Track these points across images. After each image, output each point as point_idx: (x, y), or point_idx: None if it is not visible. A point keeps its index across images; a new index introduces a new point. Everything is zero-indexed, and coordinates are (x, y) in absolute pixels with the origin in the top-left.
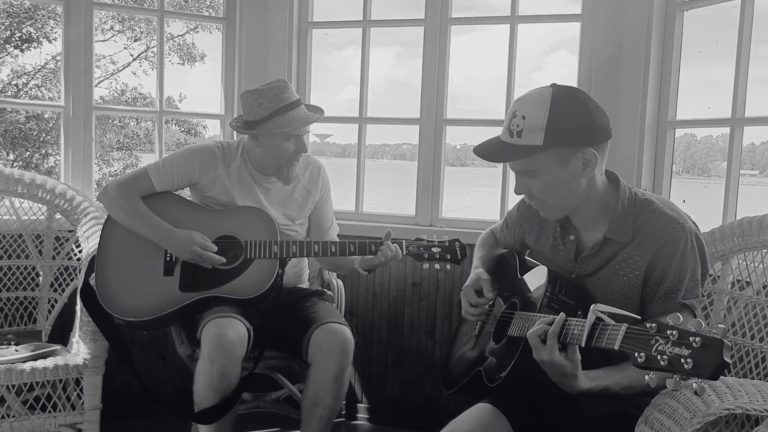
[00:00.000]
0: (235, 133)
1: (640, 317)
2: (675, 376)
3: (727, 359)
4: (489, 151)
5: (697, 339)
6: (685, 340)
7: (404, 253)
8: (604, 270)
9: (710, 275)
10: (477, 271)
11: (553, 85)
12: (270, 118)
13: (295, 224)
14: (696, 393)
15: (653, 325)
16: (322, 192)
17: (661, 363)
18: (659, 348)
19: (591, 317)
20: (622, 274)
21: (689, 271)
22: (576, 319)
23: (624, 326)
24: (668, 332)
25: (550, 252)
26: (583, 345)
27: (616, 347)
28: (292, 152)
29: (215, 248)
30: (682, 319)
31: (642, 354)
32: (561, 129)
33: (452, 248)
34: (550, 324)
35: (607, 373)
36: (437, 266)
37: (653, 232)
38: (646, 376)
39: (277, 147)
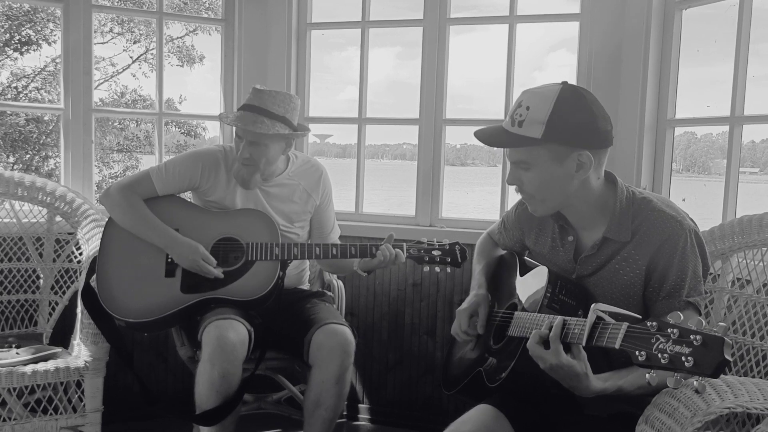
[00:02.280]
0: (234, 135)
1: (640, 316)
2: (676, 374)
3: (728, 357)
4: (488, 136)
5: (698, 337)
6: (685, 338)
7: (405, 255)
8: (605, 269)
9: (710, 273)
10: (479, 294)
11: (564, 83)
12: (235, 113)
13: (294, 226)
14: (697, 391)
15: (654, 323)
16: (323, 197)
17: (662, 361)
18: (660, 346)
19: (591, 316)
20: (623, 273)
21: (691, 269)
22: (576, 318)
23: (625, 325)
24: (669, 330)
25: (549, 253)
26: (584, 344)
27: (617, 346)
28: (237, 153)
29: (215, 262)
30: (682, 317)
31: (643, 352)
32: (561, 126)
33: (452, 251)
34: (549, 329)
35: (620, 373)
36: (437, 269)
37: (652, 230)
38: (647, 375)
39: (235, 143)
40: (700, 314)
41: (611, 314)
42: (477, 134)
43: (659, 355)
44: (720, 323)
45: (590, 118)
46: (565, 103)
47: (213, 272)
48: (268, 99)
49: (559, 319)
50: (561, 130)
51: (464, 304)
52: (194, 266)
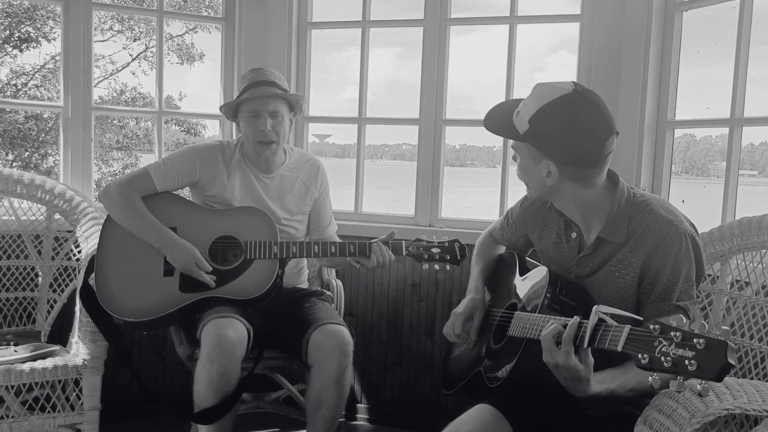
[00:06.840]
0: (234, 132)
1: (642, 318)
2: (679, 377)
3: (732, 361)
4: (491, 114)
5: (701, 341)
6: (688, 341)
7: (404, 253)
8: (601, 272)
9: (708, 275)
10: (475, 299)
11: (575, 88)
12: (240, 95)
13: (293, 218)
14: (700, 395)
15: (656, 326)
16: (321, 190)
17: (665, 364)
18: (663, 349)
19: (593, 318)
20: (618, 276)
21: (683, 273)
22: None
23: (627, 327)
24: (672, 334)
25: (553, 249)
26: (585, 346)
27: (619, 349)
28: (258, 131)
29: (209, 269)
30: (685, 320)
31: (645, 355)
32: (537, 131)
33: (452, 249)
34: (564, 326)
35: (613, 376)
36: (437, 267)
37: (647, 233)
38: (650, 378)
39: (246, 126)
40: (689, 319)
41: (612, 316)
42: (491, 110)
43: (662, 358)
44: (723, 327)
45: (568, 133)
46: (552, 110)
47: (205, 278)
48: (270, 75)
49: (575, 318)
50: (535, 134)
51: (460, 308)
52: (187, 270)
